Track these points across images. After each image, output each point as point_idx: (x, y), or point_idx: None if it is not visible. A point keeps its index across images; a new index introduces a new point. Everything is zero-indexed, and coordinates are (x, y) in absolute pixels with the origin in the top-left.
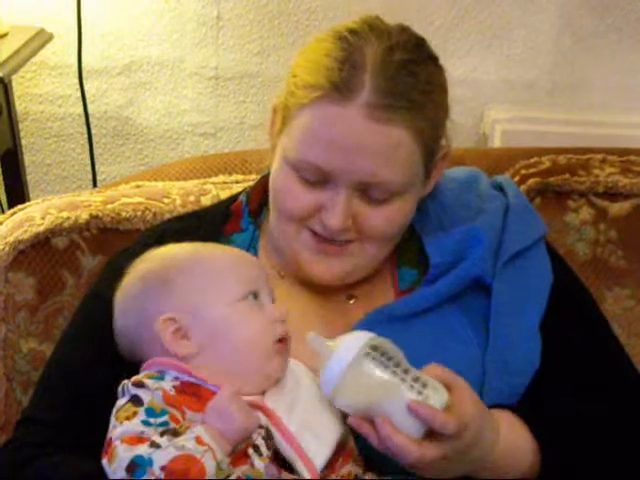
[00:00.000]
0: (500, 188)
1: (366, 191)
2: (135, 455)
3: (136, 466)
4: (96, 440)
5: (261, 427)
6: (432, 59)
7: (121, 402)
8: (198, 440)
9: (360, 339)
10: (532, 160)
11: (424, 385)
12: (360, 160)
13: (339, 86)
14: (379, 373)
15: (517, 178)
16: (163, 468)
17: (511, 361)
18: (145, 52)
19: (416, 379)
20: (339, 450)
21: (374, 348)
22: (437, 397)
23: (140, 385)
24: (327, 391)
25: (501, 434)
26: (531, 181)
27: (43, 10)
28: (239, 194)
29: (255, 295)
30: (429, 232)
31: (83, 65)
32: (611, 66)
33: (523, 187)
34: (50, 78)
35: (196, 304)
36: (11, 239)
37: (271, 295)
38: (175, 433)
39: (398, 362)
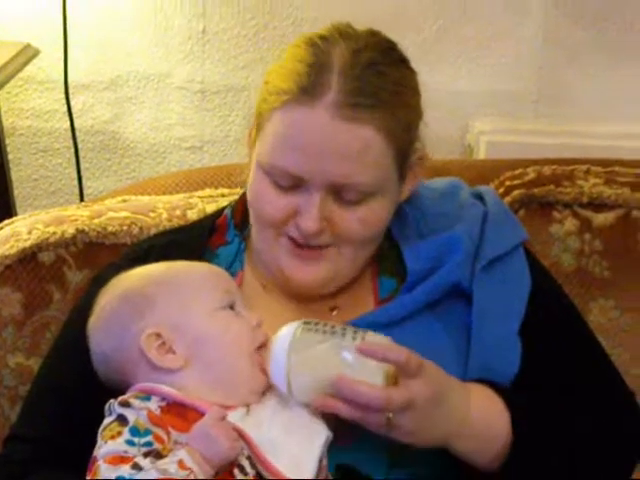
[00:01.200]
0: (480, 197)
1: (339, 193)
2: (117, 476)
3: None
4: (82, 456)
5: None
6: (403, 62)
7: (107, 421)
8: (180, 464)
9: (292, 323)
10: (517, 171)
11: (364, 332)
12: (330, 161)
13: (307, 88)
14: (319, 338)
15: (502, 189)
16: None
17: (492, 366)
18: (131, 67)
19: (355, 332)
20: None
21: (307, 323)
22: (380, 337)
23: (126, 405)
24: (282, 385)
25: (472, 400)
26: (516, 192)
27: (29, 25)
28: (224, 208)
29: (232, 306)
30: (408, 241)
31: (69, 80)
32: (596, 77)
33: (508, 198)
34: (37, 93)
35: (178, 317)
36: None
37: (243, 307)
38: (158, 455)
39: (333, 326)
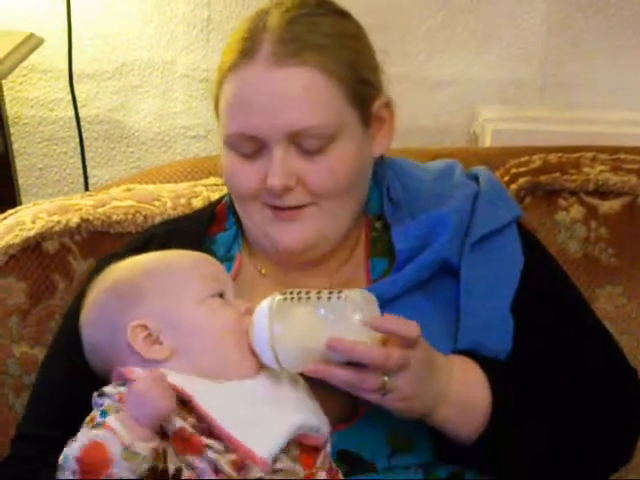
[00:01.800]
0: (476, 178)
1: (299, 145)
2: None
3: (62, 465)
4: None
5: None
6: (337, 12)
7: (91, 413)
8: (105, 426)
9: (268, 297)
10: (523, 159)
11: (339, 292)
12: (277, 111)
13: (243, 51)
14: (297, 305)
15: (508, 177)
16: (76, 459)
17: (484, 343)
18: (136, 55)
19: (330, 292)
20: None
21: (283, 294)
22: (356, 291)
23: (102, 394)
24: (269, 358)
25: (454, 371)
26: (522, 180)
27: (33, 14)
28: (224, 196)
29: (221, 295)
30: (400, 222)
31: (74, 69)
32: (601, 64)
33: (514, 186)
34: (41, 82)
35: (166, 307)
36: (2, 244)
37: (234, 294)
38: (95, 426)
39: (308, 291)
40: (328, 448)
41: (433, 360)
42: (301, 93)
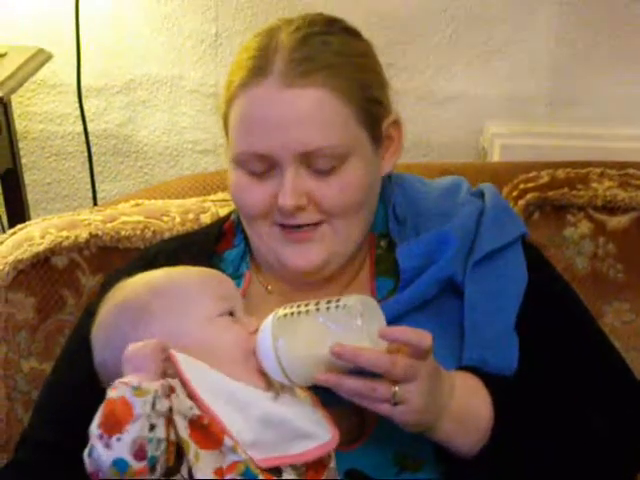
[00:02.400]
0: (482, 195)
1: (310, 164)
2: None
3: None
4: None
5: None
6: (347, 30)
7: None
8: (112, 389)
9: (272, 313)
10: (531, 174)
11: (337, 300)
12: (289, 131)
13: (254, 70)
14: (297, 317)
15: (516, 192)
16: (99, 425)
17: (489, 360)
18: (144, 70)
19: (328, 301)
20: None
21: (283, 309)
22: (355, 297)
23: None
24: (277, 374)
25: (456, 386)
26: (530, 195)
27: (42, 30)
28: (231, 213)
29: (231, 313)
30: (405, 241)
31: (82, 84)
32: (609, 79)
33: (522, 202)
34: (49, 97)
35: (174, 326)
36: (11, 259)
37: (243, 312)
38: None
39: (307, 304)
40: (333, 464)
41: (439, 373)
42: (313, 113)
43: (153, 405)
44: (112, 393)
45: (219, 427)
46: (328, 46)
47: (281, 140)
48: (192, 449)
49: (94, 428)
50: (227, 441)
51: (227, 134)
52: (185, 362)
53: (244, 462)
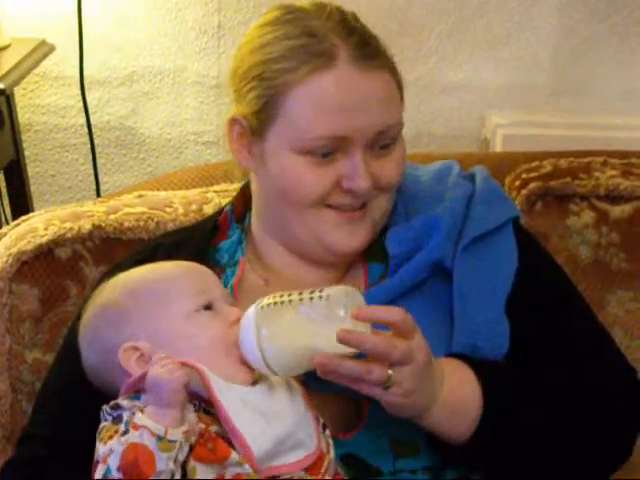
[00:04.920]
0: (473, 178)
1: (374, 145)
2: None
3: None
4: (92, 453)
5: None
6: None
7: (103, 424)
8: (134, 426)
9: (254, 303)
10: (533, 164)
11: (321, 290)
12: (370, 111)
13: (317, 54)
14: (280, 307)
15: (518, 182)
16: (119, 468)
17: (479, 346)
18: (147, 62)
19: (312, 291)
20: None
21: (267, 299)
22: (338, 287)
23: (117, 407)
24: (259, 363)
25: (445, 372)
26: (532, 185)
27: (44, 22)
28: (225, 206)
29: (208, 307)
30: (394, 225)
31: (85, 76)
32: (611, 69)
33: (524, 191)
34: (52, 89)
35: (153, 326)
36: (14, 250)
37: (227, 299)
38: (125, 433)
39: (290, 294)
40: (332, 454)
41: (430, 358)
42: (385, 93)
43: (176, 458)
44: (135, 436)
45: (225, 447)
46: (367, 30)
47: (365, 120)
48: (191, 464)
49: (114, 470)
50: (233, 456)
51: (270, 123)
52: (213, 379)
53: (248, 474)
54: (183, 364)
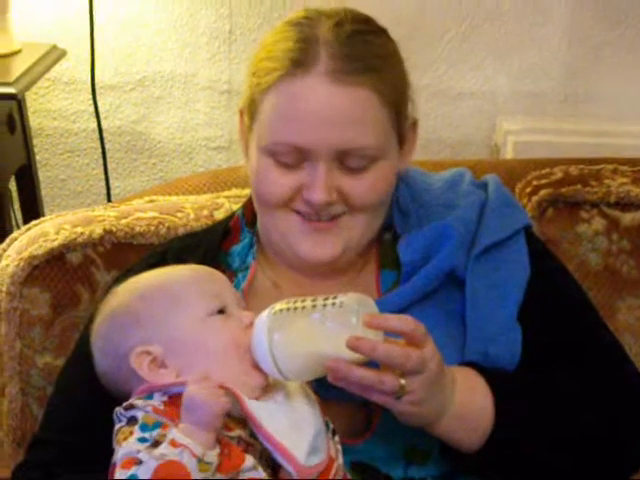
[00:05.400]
0: (485, 186)
1: (344, 161)
2: (128, 476)
3: None
4: (103, 457)
5: (246, 427)
6: (382, 31)
7: (118, 426)
8: (172, 443)
9: (267, 308)
10: (544, 171)
11: (334, 297)
12: (332, 127)
13: (298, 60)
14: (293, 313)
15: (529, 189)
16: None
17: (491, 354)
18: (158, 67)
19: (325, 298)
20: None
21: (280, 304)
22: (352, 295)
23: (131, 407)
24: (271, 368)
25: (458, 381)
26: (543, 192)
27: (56, 26)
28: (236, 211)
29: (221, 311)
30: (407, 233)
31: (96, 81)
32: (622, 76)
33: (535, 198)
34: (63, 94)
35: (165, 331)
36: (26, 254)
37: (240, 303)
38: (156, 444)
39: (304, 299)
40: (340, 460)
41: (442, 367)
42: (356, 113)
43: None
44: (175, 453)
45: (239, 452)
46: (370, 46)
47: (321, 135)
48: None
49: None
50: (248, 461)
51: (252, 120)
52: (247, 401)
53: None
54: (222, 387)
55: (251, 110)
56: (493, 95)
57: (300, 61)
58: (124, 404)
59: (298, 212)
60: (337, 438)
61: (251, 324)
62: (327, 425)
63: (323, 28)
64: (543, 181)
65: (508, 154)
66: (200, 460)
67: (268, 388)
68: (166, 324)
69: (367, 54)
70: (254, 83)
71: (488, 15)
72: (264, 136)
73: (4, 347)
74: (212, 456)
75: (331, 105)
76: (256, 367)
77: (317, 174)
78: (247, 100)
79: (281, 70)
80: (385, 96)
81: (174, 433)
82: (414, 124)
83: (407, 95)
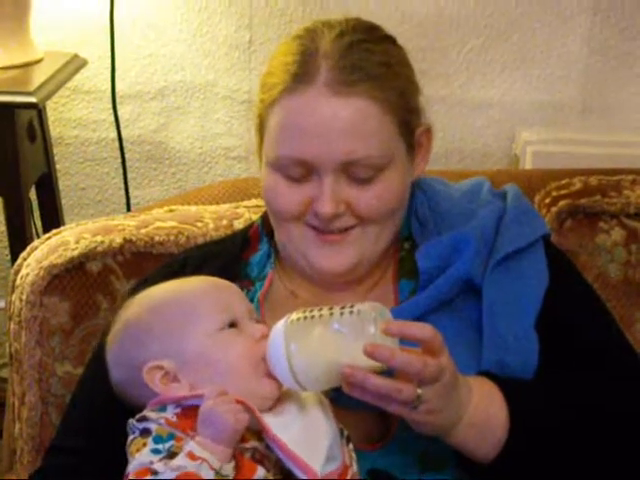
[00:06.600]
0: (504, 195)
1: (350, 173)
2: None
3: None
4: (119, 465)
5: (261, 439)
6: (387, 38)
7: (131, 438)
8: (190, 456)
9: (283, 318)
10: (563, 182)
11: (351, 306)
12: (334, 139)
13: (298, 75)
14: (311, 322)
15: (548, 199)
16: None
17: (509, 363)
18: (178, 77)
19: (342, 307)
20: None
21: (296, 313)
22: (369, 304)
23: (144, 419)
24: (287, 379)
25: (473, 390)
26: (562, 203)
27: (77, 36)
28: (255, 221)
29: (233, 324)
30: (426, 242)
31: (117, 90)
32: None
33: (554, 209)
34: (84, 103)
35: (177, 345)
36: (46, 263)
37: (253, 315)
38: (172, 456)
39: (320, 308)
40: (355, 467)
41: (457, 376)
42: (357, 123)
43: None
44: (193, 466)
45: (251, 463)
46: (372, 55)
47: (324, 148)
48: None
49: None
50: (259, 473)
51: (262, 136)
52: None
53: None
54: (239, 402)
55: (260, 126)
56: (513, 106)
57: (300, 75)
58: (137, 416)
59: (311, 225)
60: (351, 445)
61: (263, 337)
62: (341, 432)
63: (324, 40)
64: (562, 192)
65: (527, 164)
66: (217, 472)
67: (281, 398)
68: (178, 338)
69: (367, 63)
70: (260, 99)
71: (507, 26)
72: (270, 151)
73: (24, 356)
74: (228, 469)
75: (332, 117)
76: (269, 378)
77: (323, 187)
78: (256, 117)
79: (282, 85)
80: (387, 104)
81: (192, 445)
82: (428, 131)
83: (416, 102)
